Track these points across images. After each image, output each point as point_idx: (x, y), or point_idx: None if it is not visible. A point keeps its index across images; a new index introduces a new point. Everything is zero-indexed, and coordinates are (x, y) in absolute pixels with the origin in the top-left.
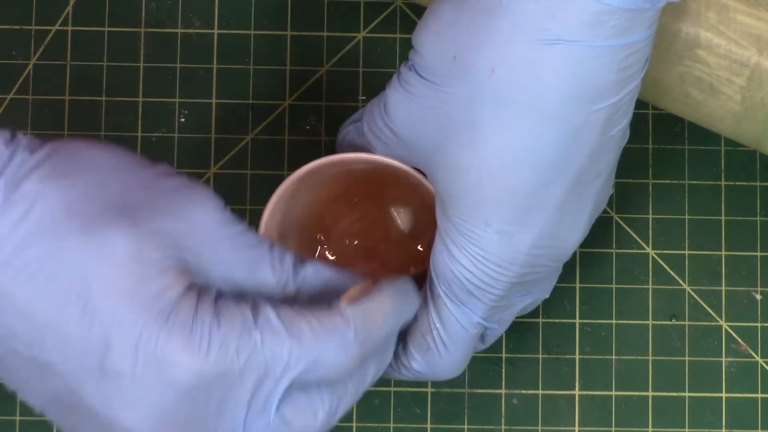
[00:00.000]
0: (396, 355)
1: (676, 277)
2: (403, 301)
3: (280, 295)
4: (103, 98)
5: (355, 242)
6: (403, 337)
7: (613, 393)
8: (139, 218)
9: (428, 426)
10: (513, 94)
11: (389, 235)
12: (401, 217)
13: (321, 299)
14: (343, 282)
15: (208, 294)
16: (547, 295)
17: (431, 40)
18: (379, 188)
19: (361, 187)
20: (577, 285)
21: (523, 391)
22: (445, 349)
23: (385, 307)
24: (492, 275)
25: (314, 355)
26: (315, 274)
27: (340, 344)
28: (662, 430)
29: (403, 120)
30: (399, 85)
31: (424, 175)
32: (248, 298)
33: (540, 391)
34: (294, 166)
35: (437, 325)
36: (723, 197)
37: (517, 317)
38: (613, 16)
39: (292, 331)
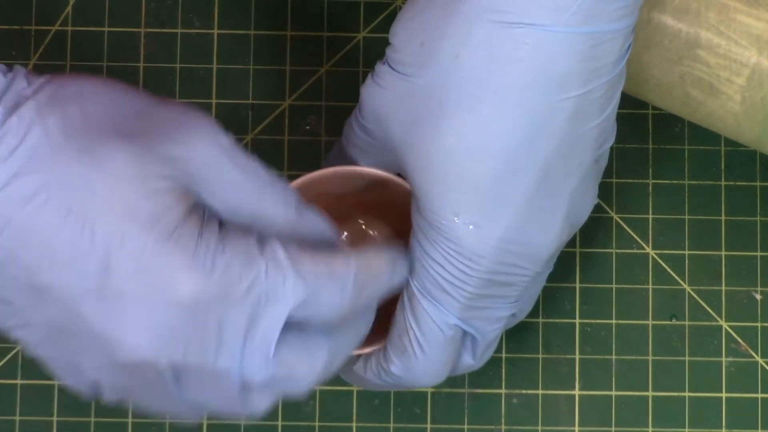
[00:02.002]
0: (376, 359)
1: (676, 277)
2: (396, 264)
3: (283, 229)
4: None
5: None
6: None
7: (613, 393)
8: (139, 140)
9: (428, 426)
10: (475, 79)
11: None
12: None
13: (317, 245)
14: (335, 237)
15: (213, 219)
16: (529, 309)
17: (403, 29)
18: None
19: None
20: (577, 285)
21: (523, 391)
22: (421, 351)
23: (383, 263)
24: (463, 269)
25: (314, 290)
26: (315, 218)
27: (339, 287)
28: (662, 430)
29: (376, 116)
30: (373, 83)
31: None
32: (254, 229)
33: (540, 391)
34: (294, 166)
35: (413, 325)
36: (723, 197)
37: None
38: (576, 2)
39: (296, 265)
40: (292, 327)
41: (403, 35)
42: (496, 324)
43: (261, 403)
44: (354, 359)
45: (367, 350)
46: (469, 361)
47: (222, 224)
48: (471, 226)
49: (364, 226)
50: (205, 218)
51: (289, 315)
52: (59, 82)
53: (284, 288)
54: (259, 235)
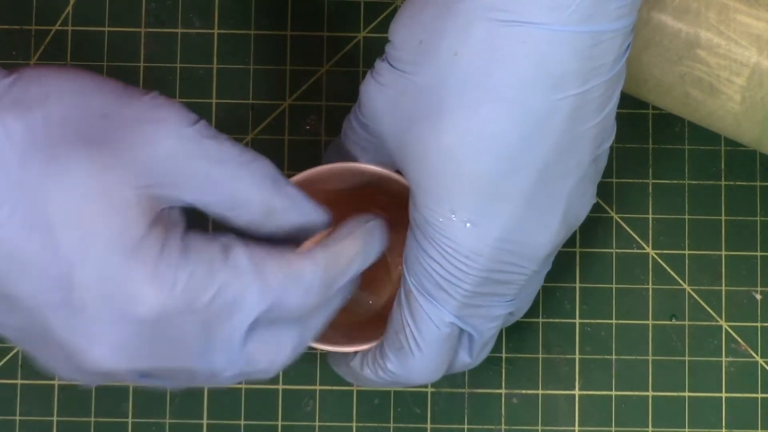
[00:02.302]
0: (372, 355)
1: (676, 277)
2: (370, 243)
3: (260, 210)
4: None
5: None
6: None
7: (613, 393)
8: (104, 148)
9: (428, 426)
10: (474, 77)
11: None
12: None
13: (293, 229)
14: (317, 215)
15: (177, 228)
16: (526, 308)
17: (402, 26)
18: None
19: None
20: (577, 285)
21: (523, 391)
22: (418, 347)
23: (353, 250)
24: (460, 267)
25: (279, 296)
26: (296, 195)
27: (306, 288)
28: (662, 430)
29: (375, 113)
30: (372, 80)
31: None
32: (219, 234)
33: (540, 391)
34: (294, 166)
35: (409, 321)
36: (723, 197)
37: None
38: (575, 1)
39: (260, 272)
40: (259, 321)
41: (402, 33)
42: (493, 322)
43: (228, 383)
44: (351, 355)
45: (364, 347)
46: (466, 359)
47: (186, 232)
48: (468, 224)
49: None
50: (169, 228)
51: (254, 318)
52: (25, 81)
53: (249, 296)
54: (225, 240)
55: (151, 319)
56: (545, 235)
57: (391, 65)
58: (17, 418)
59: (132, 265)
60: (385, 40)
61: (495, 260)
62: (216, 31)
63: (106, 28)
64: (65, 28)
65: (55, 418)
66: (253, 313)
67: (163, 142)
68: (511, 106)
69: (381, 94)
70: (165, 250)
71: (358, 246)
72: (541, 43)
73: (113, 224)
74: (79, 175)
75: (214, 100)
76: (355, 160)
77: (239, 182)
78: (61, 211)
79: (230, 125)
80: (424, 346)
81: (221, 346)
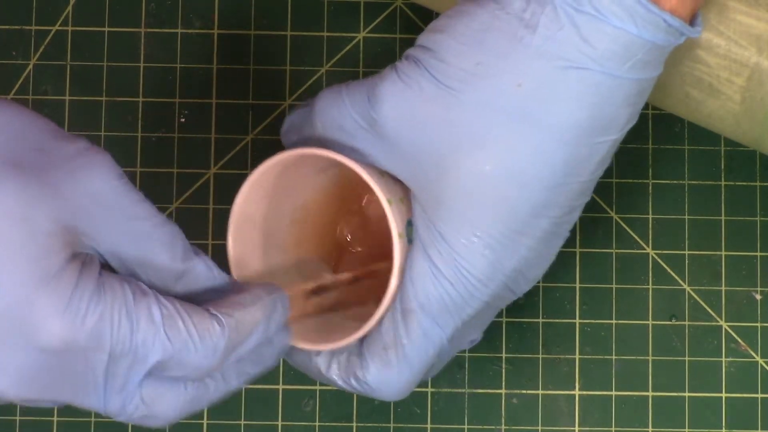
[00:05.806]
0: (350, 364)
1: (676, 277)
2: (272, 317)
3: (168, 274)
4: (103, 98)
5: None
6: (360, 347)
7: (613, 393)
8: (33, 179)
9: (428, 426)
10: (532, 112)
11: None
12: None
13: (200, 295)
14: (224, 284)
15: (93, 266)
16: (479, 337)
17: (454, 42)
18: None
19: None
20: (577, 285)
21: (523, 391)
22: (409, 367)
23: (258, 319)
24: (471, 291)
25: (182, 354)
26: (204, 266)
27: (210, 350)
28: (662, 430)
29: (397, 116)
30: (399, 80)
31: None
32: (134, 280)
33: (540, 391)
34: None
35: (404, 341)
36: (723, 197)
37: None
38: (642, 49)
39: (168, 326)
40: (156, 371)
41: (454, 49)
42: (463, 346)
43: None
44: (315, 351)
45: (330, 346)
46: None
47: (102, 272)
48: (487, 250)
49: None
50: (86, 265)
51: (153, 367)
52: None
53: (152, 346)
54: (139, 287)
55: (56, 349)
56: (543, 266)
57: (433, 76)
58: (17, 418)
59: (45, 294)
60: (386, 40)
61: (501, 288)
62: (216, 31)
63: (106, 28)
64: (65, 28)
65: (55, 418)
66: (152, 362)
67: (91, 186)
68: (562, 147)
69: (414, 103)
70: (80, 285)
71: (261, 315)
72: (603, 88)
73: (31, 251)
74: (5, 199)
75: (214, 100)
76: (323, 132)
77: (151, 241)
78: None
79: (230, 125)
80: (415, 366)
81: (118, 388)
